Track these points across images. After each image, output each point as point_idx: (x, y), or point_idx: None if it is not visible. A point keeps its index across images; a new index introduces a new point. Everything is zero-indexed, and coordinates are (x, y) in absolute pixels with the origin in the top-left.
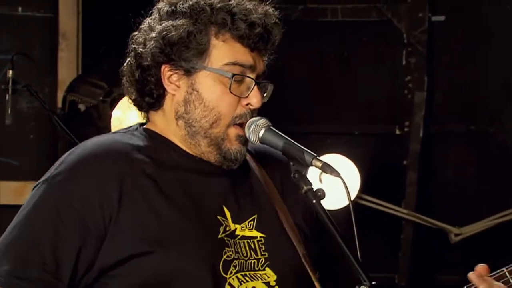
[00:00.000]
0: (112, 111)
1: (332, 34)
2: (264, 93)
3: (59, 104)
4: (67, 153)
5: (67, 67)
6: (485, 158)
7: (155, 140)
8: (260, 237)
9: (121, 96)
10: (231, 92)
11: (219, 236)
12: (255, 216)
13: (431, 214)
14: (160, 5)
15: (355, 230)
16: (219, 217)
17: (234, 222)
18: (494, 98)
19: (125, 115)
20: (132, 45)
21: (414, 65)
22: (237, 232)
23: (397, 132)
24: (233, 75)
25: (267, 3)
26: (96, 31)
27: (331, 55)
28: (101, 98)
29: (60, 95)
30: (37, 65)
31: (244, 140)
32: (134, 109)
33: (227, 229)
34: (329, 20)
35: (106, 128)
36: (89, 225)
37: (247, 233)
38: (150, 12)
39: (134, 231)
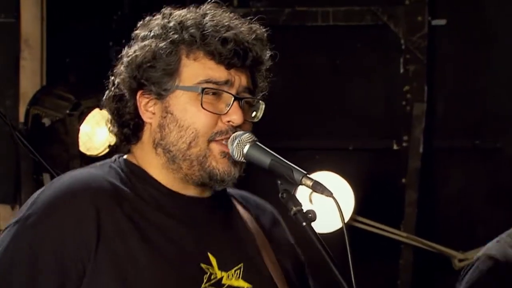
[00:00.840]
0: (80, 125)
1: (323, 40)
2: (253, 112)
3: (22, 119)
4: (39, 191)
5: (30, 78)
6: (492, 176)
7: (135, 176)
8: (247, 287)
9: (89, 109)
10: (203, 108)
11: (203, 286)
12: (242, 264)
13: (433, 237)
14: (137, 31)
15: (349, 255)
16: (203, 265)
17: (221, 269)
18: (501, 109)
19: (94, 130)
20: (111, 77)
21: (413, 74)
22: (223, 281)
23: (395, 147)
24: (203, 89)
25: (253, 19)
26: (62, 39)
27: (321, 63)
28: (68, 111)
29: (22, 108)
30: None
31: (233, 160)
32: (103, 124)
33: (212, 277)
34: (319, 24)
35: (74, 144)
36: (67, 269)
37: (234, 282)
38: (130, 44)
39: (112, 277)
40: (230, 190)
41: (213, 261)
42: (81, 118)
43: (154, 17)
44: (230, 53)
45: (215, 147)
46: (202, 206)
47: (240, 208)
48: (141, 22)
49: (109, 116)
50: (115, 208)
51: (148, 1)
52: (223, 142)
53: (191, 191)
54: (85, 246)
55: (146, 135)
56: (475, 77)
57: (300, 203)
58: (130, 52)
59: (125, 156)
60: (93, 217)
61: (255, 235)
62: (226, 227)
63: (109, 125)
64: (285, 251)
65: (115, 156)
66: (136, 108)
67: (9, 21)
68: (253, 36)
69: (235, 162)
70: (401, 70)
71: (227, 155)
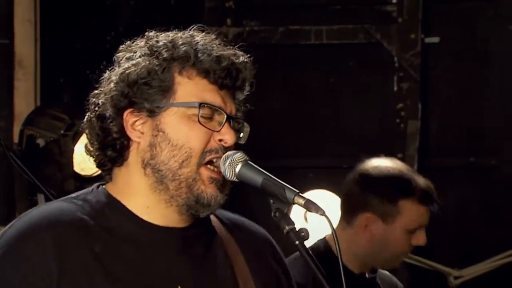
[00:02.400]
0: (74, 145)
1: (317, 58)
2: (240, 134)
3: (16, 139)
4: (8, 225)
5: (24, 98)
6: (488, 194)
7: (109, 208)
8: None
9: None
10: (200, 122)
11: None
12: None
13: (428, 255)
14: (119, 53)
15: (342, 275)
16: None
17: None
18: (496, 126)
19: None
20: (92, 99)
21: (406, 91)
22: None
23: None
24: (200, 104)
25: (237, 46)
26: (55, 59)
27: (315, 81)
28: (62, 132)
29: (16, 129)
30: None
31: (220, 184)
32: None
33: None
34: (313, 43)
35: (68, 165)
36: None
37: None
38: (111, 68)
39: None
40: (220, 215)
41: None
42: (76, 138)
43: (135, 43)
44: (224, 72)
45: (204, 173)
46: (179, 237)
47: (224, 237)
48: (122, 46)
49: (88, 141)
50: (81, 245)
51: (142, 20)
52: (211, 168)
53: (171, 221)
54: (45, 283)
55: (133, 155)
56: (469, 95)
57: (293, 222)
58: (119, 70)
59: (105, 186)
60: (55, 255)
61: (237, 268)
62: (203, 260)
63: (87, 150)
64: (268, 284)
65: (94, 186)
66: (122, 128)
67: (3, 42)
68: (241, 59)
69: (222, 188)
70: (395, 88)
71: (215, 181)
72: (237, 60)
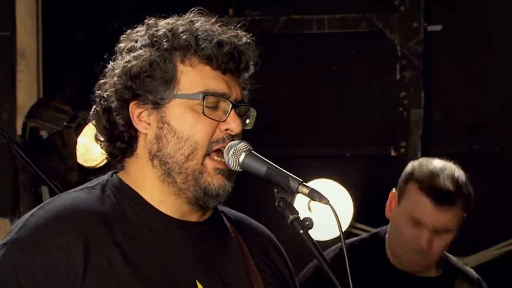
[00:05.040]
0: (77, 137)
1: (319, 47)
2: (247, 120)
3: (19, 132)
4: (29, 214)
5: (27, 90)
6: (490, 181)
7: (126, 197)
8: None
9: (87, 121)
10: (204, 115)
11: None
12: None
13: None
14: (121, 44)
15: (347, 263)
16: None
17: None
18: (499, 113)
19: (91, 141)
20: (97, 91)
21: (409, 80)
22: None
23: (393, 153)
24: (204, 95)
25: (238, 26)
26: (57, 51)
27: (317, 70)
28: (65, 123)
29: (19, 121)
30: None
31: (227, 174)
32: None
33: None
34: (314, 32)
35: (72, 156)
36: None
37: None
38: (114, 56)
39: None
40: (226, 211)
41: None
42: (79, 130)
43: (136, 30)
44: (226, 57)
45: (210, 164)
46: (194, 230)
47: (233, 234)
48: (123, 36)
49: (97, 132)
50: (103, 234)
51: (144, 12)
52: (216, 158)
53: (184, 214)
54: (71, 273)
55: (141, 146)
56: (471, 82)
57: (297, 211)
58: (121, 63)
59: (119, 174)
60: (81, 245)
61: (245, 260)
62: (217, 254)
63: (98, 142)
64: (273, 281)
65: (109, 174)
66: (128, 120)
67: (4, 34)
68: (243, 40)
69: (229, 177)
70: (398, 77)
71: (221, 171)
72: (239, 42)
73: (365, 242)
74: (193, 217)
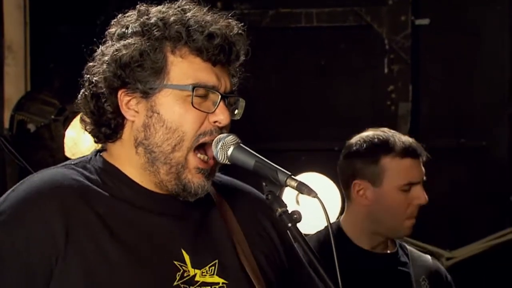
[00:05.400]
0: (65, 130)
1: (307, 41)
2: (235, 110)
3: (6, 125)
4: (10, 189)
5: (14, 84)
6: (478, 174)
7: (109, 174)
8: (222, 283)
9: (74, 114)
10: (194, 107)
11: (175, 283)
12: (216, 261)
13: (420, 236)
14: (112, 29)
15: (335, 256)
16: (176, 262)
17: (194, 267)
18: (486, 107)
19: (79, 135)
20: (86, 75)
21: (397, 73)
22: (196, 278)
23: None
24: (194, 87)
25: (230, 15)
26: (45, 44)
27: (306, 64)
28: (52, 116)
29: (7, 114)
30: None
31: (208, 174)
32: None
33: (185, 275)
34: (303, 25)
35: (59, 150)
36: (34, 269)
37: (208, 279)
38: (104, 40)
39: (81, 276)
40: (215, 177)
41: (187, 258)
42: (66, 123)
43: (127, 15)
44: (217, 49)
45: (192, 161)
46: (177, 202)
47: (218, 200)
48: (115, 20)
49: (83, 115)
50: (84, 208)
51: (132, 3)
52: (199, 156)
53: (166, 190)
54: (52, 247)
55: (127, 133)
56: (459, 76)
57: (285, 204)
58: (111, 50)
59: (102, 153)
60: (61, 219)
61: (232, 230)
62: (201, 223)
63: (83, 124)
64: (261, 246)
65: (92, 153)
66: (117, 106)
67: None
68: (234, 31)
69: (208, 176)
70: (386, 70)
71: (202, 171)
72: (231, 33)
73: (320, 232)
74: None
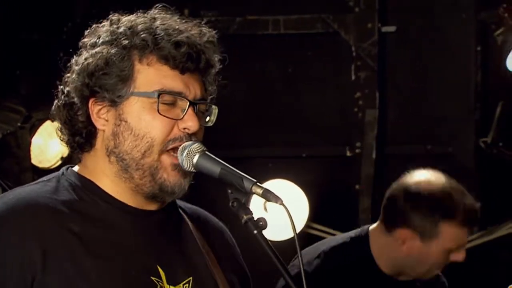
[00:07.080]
0: (31, 138)
1: (275, 48)
2: (207, 117)
3: None
4: None
5: None
6: None
7: (83, 189)
8: None
9: (41, 122)
10: (159, 113)
11: None
12: (191, 278)
13: None
14: (85, 38)
15: (301, 264)
16: (153, 278)
17: (169, 283)
18: (452, 114)
19: (46, 142)
20: (59, 86)
21: (364, 80)
22: None
23: (348, 154)
24: (159, 94)
25: (201, 23)
26: (12, 50)
27: (273, 71)
28: (19, 124)
29: None
30: None
31: (184, 171)
32: (56, 136)
33: None
34: (270, 33)
35: (26, 157)
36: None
37: None
38: (79, 50)
39: None
40: (181, 204)
41: (162, 274)
42: (33, 130)
43: (101, 24)
44: (184, 57)
45: (166, 160)
46: (152, 219)
47: (190, 223)
48: (88, 30)
49: (59, 125)
50: (61, 226)
51: (100, 11)
52: (173, 154)
53: (141, 204)
54: (28, 266)
55: (99, 142)
56: (425, 83)
57: (251, 211)
58: (81, 60)
59: (74, 168)
60: (37, 237)
61: (203, 248)
62: (175, 240)
63: (59, 134)
64: (232, 269)
65: (63, 169)
66: (88, 116)
67: None
68: (205, 38)
69: (185, 174)
70: (353, 77)
71: (177, 167)
72: (200, 41)
73: (347, 244)
74: (150, 207)
